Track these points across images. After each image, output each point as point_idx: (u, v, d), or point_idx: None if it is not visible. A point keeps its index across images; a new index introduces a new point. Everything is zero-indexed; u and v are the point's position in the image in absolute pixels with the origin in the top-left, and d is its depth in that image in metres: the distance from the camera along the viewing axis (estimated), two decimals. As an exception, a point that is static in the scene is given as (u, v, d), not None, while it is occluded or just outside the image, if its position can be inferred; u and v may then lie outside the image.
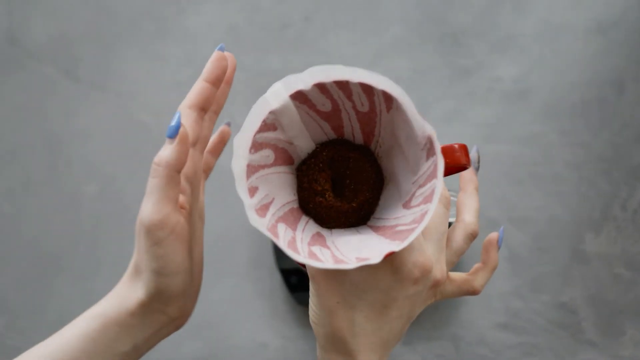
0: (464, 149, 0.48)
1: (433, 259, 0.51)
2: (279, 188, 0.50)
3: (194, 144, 0.53)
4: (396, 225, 0.48)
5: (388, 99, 0.46)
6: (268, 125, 0.47)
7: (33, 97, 0.79)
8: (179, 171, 0.49)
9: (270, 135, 0.48)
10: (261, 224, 0.46)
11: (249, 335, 0.74)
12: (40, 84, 0.79)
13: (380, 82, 0.45)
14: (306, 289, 0.72)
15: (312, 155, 0.51)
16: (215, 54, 0.52)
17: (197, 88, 0.51)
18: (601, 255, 0.72)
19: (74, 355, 0.51)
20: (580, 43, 0.76)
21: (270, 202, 0.49)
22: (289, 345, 0.73)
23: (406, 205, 0.49)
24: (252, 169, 0.47)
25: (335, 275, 0.50)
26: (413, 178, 0.48)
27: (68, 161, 0.77)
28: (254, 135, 0.47)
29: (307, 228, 0.51)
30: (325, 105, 0.48)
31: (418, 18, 0.77)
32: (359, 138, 0.51)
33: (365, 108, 0.48)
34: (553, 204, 0.73)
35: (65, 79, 0.79)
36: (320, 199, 0.51)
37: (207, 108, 0.53)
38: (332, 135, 0.51)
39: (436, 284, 0.51)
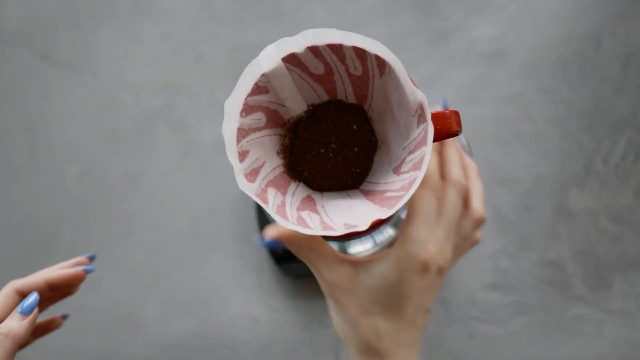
0: (456, 115, 0.48)
1: (435, 250, 0.51)
2: (271, 150, 0.50)
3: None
4: (386, 191, 0.48)
5: (381, 63, 0.46)
6: (260, 87, 0.47)
7: (10, 82, 0.78)
8: (20, 346, 0.52)
9: (262, 98, 0.48)
10: (250, 189, 0.46)
11: (238, 309, 0.73)
12: (17, 68, 0.78)
13: (373, 46, 0.45)
14: (291, 260, 0.72)
15: (307, 115, 0.51)
16: (75, 272, 0.57)
17: (61, 274, 0.56)
18: (586, 211, 0.72)
19: None
20: (556, 0, 0.76)
21: (261, 166, 0.48)
22: (279, 318, 0.73)
23: (396, 171, 0.49)
24: (242, 133, 0.47)
25: (351, 288, 0.51)
26: (404, 144, 0.48)
27: (49, 144, 0.77)
28: (246, 99, 0.47)
29: (297, 192, 0.50)
30: (318, 69, 0.48)
31: (393, -16, 0.77)
32: (352, 101, 0.51)
33: (358, 72, 0.48)
34: (537, 162, 0.73)
35: (41, 62, 0.78)
36: (316, 155, 0.51)
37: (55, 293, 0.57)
38: (325, 97, 0.51)
39: (440, 271, 0.51)
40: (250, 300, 0.74)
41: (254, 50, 0.77)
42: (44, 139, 0.77)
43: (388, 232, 0.68)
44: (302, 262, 0.70)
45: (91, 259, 0.59)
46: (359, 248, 0.69)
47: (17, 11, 0.79)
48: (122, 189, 0.76)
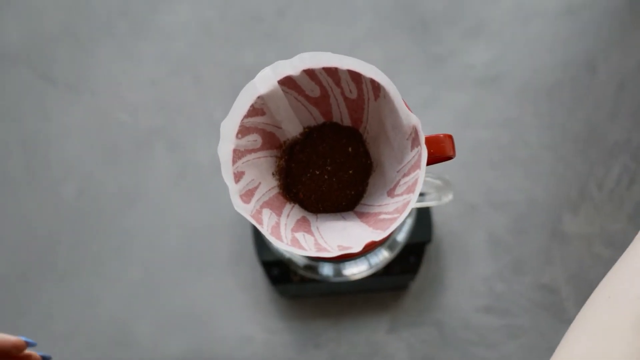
0: (450, 139, 0.48)
1: None
2: (266, 172, 0.51)
3: None
4: (380, 213, 0.49)
5: (376, 87, 0.46)
6: (256, 109, 0.48)
7: (8, 99, 0.78)
8: None
9: (258, 119, 0.48)
10: (245, 209, 0.47)
11: (233, 329, 0.73)
12: (16, 86, 0.79)
13: (368, 70, 0.46)
14: (287, 280, 0.72)
15: (302, 137, 0.52)
16: (17, 340, 0.56)
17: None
18: (580, 235, 0.73)
19: None
20: (551, 26, 0.77)
21: (256, 187, 0.49)
22: (273, 338, 0.73)
23: (390, 193, 0.49)
24: (238, 154, 0.47)
25: None
26: (398, 166, 0.49)
27: (46, 162, 0.77)
28: (242, 120, 0.47)
29: (292, 213, 0.51)
30: (314, 91, 0.49)
31: (389, 7, 0.78)
32: (347, 124, 0.52)
33: (353, 95, 0.48)
34: (531, 186, 0.74)
35: (40, 80, 0.78)
36: (312, 177, 0.52)
37: None
38: (320, 119, 0.51)
39: None
40: (245, 320, 0.74)
41: (252, 72, 0.76)
42: (41, 156, 0.77)
43: (383, 254, 0.69)
44: (298, 283, 0.71)
45: (31, 345, 0.58)
46: (354, 270, 0.69)
47: (17, 29, 0.80)
48: (118, 206, 0.76)
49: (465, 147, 0.74)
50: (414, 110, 0.75)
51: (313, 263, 0.69)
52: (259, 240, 0.72)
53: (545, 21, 0.77)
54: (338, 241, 0.47)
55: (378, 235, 0.46)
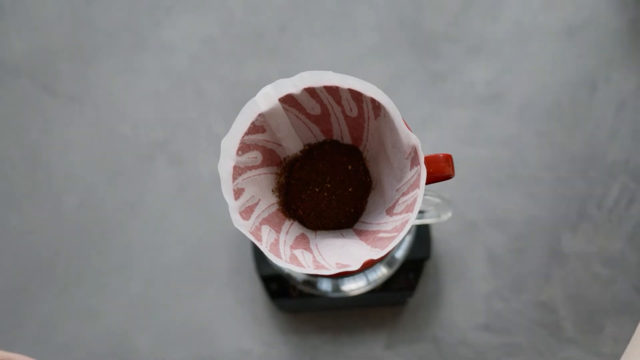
0: (449, 159, 0.48)
1: None
2: (266, 189, 0.51)
3: None
4: (378, 232, 0.49)
5: (376, 106, 0.47)
6: (257, 127, 0.48)
7: (11, 112, 0.79)
8: None
9: (258, 137, 0.48)
10: (244, 226, 0.47)
11: (231, 342, 0.74)
12: (18, 98, 0.79)
13: (368, 89, 0.46)
14: (285, 295, 0.72)
15: (302, 154, 0.52)
16: None
17: None
18: (579, 255, 0.73)
19: None
20: (552, 45, 0.77)
21: (256, 204, 0.49)
22: (271, 352, 0.73)
23: (389, 212, 0.49)
24: (238, 171, 0.48)
25: None
26: (397, 185, 0.49)
27: (47, 174, 0.77)
28: (242, 137, 0.47)
29: (291, 230, 0.51)
30: (315, 109, 0.49)
31: (392, 25, 0.78)
32: (347, 142, 0.52)
33: (354, 113, 0.49)
34: (530, 204, 0.74)
35: (43, 93, 0.79)
36: (311, 194, 0.52)
37: None
38: (321, 137, 0.52)
39: None
40: (244, 333, 0.74)
41: (253, 87, 0.77)
42: (43, 168, 0.77)
43: (382, 270, 0.69)
44: (296, 298, 0.71)
45: None
46: (352, 285, 0.69)
47: (20, 42, 0.80)
48: (119, 220, 0.76)
49: (465, 164, 0.75)
50: (413, 127, 0.75)
51: (312, 278, 0.69)
52: (258, 255, 0.72)
53: (546, 40, 0.77)
54: (336, 259, 0.47)
55: (376, 254, 0.46)
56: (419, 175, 0.46)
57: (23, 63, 0.80)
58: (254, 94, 0.47)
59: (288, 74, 0.77)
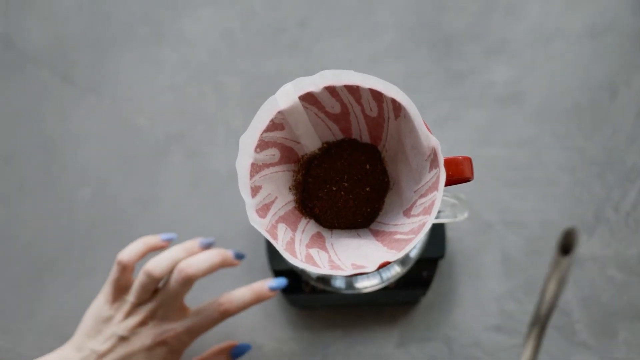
0: (469, 161, 0.48)
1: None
2: (283, 186, 0.51)
3: None
4: (395, 233, 0.49)
5: (396, 107, 0.46)
6: (276, 124, 0.48)
7: (29, 101, 0.79)
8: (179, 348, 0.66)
9: (277, 134, 0.48)
10: (261, 224, 0.47)
11: (242, 337, 0.74)
12: (36, 88, 0.79)
13: (389, 89, 0.46)
14: (298, 291, 0.72)
15: (320, 152, 0.52)
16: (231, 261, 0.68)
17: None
18: (594, 258, 0.73)
19: None
20: (573, 47, 0.76)
21: (273, 202, 0.49)
22: (282, 347, 0.73)
23: (407, 213, 0.49)
24: (256, 168, 0.47)
25: None
26: (415, 187, 0.49)
27: (63, 165, 0.77)
28: (261, 135, 0.47)
29: (307, 228, 0.51)
30: (335, 108, 0.49)
31: (412, 23, 0.78)
32: (366, 141, 0.52)
33: (373, 113, 0.49)
34: (546, 207, 0.74)
35: (61, 83, 0.79)
36: (328, 192, 0.52)
37: None
38: (340, 135, 0.52)
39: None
40: (255, 328, 0.74)
41: (272, 82, 0.77)
42: (58, 159, 0.77)
43: (395, 269, 0.69)
44: (309, 294, 0.71)
45: (239, 257, 0.69)
46: (366, 283, 0.69)
47: (39, 32, 0.80)
48: (132, 213, 0.76)
49: (482, 165, 0.74)
50: (431, 126, 0.75)
51: (325, 275, 0.69)
52: (272, 250, 0.72)
53: (567, 42, 0.76)
54: (352, 259, 0.47)
55: (393, 256, 0.46)
56: (438, 177, 0.46)
57: (42, 53, 0.80)
58: (272, 88, 0.47)
59: (307, 69, 0.77)
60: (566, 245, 0.36)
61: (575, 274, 0.72)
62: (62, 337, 0.73)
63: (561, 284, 0.37)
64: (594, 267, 0.72)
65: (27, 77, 0.79)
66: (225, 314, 0.65)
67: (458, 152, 0.75)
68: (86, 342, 0.65)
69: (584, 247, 0.73)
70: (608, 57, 0.76)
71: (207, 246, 0.68)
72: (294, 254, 0.47)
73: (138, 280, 0.65)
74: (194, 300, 0.70)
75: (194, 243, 0.68)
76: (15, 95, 0.79)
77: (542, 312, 0.40)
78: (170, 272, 0.65)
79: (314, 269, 0.46)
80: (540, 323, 0.41)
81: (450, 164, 0.47)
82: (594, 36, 0.76)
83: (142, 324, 0.64)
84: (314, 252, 0.48)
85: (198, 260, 0.65)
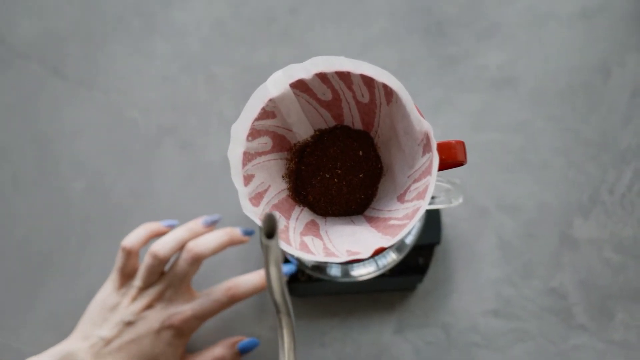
0: (462, 145, 0.48)
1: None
2: (276, 174, 0.51)
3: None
4: (389, 219, 0.49)
5: (388, 92, 0.46)
6: (267, 112, 0.48)
7: (20, 96, 0.79)
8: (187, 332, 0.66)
9: (268, 122, 0.48)
10: (254, 212, 0.47)
11: (239, 327, 0.74)
12: (28, 82, 0.79)
13: (380, 75, 0.46)
14: (294, 280, 0.72)
15: (313, 140, 0.52)
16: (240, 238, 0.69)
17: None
18: (590, 240, 0.72)
19: None
20: (566, 29, 0.76)
21: (266, 190, 0.49)
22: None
23: (400, 199, 0.49)
24: (248, 157, 0.47)
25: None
26: (409, 172, 0.48)
27: (56, 159, 0.77)
28: (252, 123, 0.47)
29: (301, 216, 0.51)
30: (326, 95, 0.49)
31: (404, 9, 0.77)
32: (358, 127, 0.51)
33: (365, 99, 0.48)
34: (542, 190, 0.74)
35: (52, 77, 0.79)
36: (321, 180, 0.52)
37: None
38: (332, 122, 0.51)
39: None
40: (252, 317, 0.74)
41: (264, 72, 0.77)
42: (51, 153, 0.77)
43: (391, 256, 0.69)
44: (305, 282, 0.71)
45: (248, 233, 0.70)
46: (362, 271, 0.69)
47: (29, 26, 0.80)
48: (127, 205, 0.76)
49: (476, 149, 0.74)
50: (425, 111, 0.75)
51: (321, 263, 0.69)
52: (267, 240, 0.72)
53: (559, 24, 0.76)
54: (347, 246, 0.47)
55: (387, 242, 0.46)
56: (431, 162, 0.46)
57: (32, 47, 0.79)
58: (264, 78, 0.47)
59: (299, 58, 0.77)
60: (269, 230, 0.37)
61: (571, 256, 0.72)
62: (60, 332, 0.73)
63: (278, 265, 0.38)
64: (590, 250, 0.72)
65: (17, 71, 0.79)
66: (233, 298, 0.65)
67: (452, 137, 0.75)
68: (93, 330, 0.64)
69: (579, 229, 0.73)
70: (601, 38, 0.76)
71: (211, 224, 0.68)
72: (288, 241, 0.47)
73: (144, 263, 0.65)
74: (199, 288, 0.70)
75: (196, 222, 0.68)
76: (7, 90, 0.79)
77: (277, 299, 0.40)
78: (176, 252, 0.65)
79: (308, 257, 0.46)
80: (284, 310, 0.41)
81: (443, 148, 0.47)
82: (587, 17, 0.76)
83: (149, 306, 0.64)
84: (308, 239, 0.48)
85: (206, 240, 0.65)
